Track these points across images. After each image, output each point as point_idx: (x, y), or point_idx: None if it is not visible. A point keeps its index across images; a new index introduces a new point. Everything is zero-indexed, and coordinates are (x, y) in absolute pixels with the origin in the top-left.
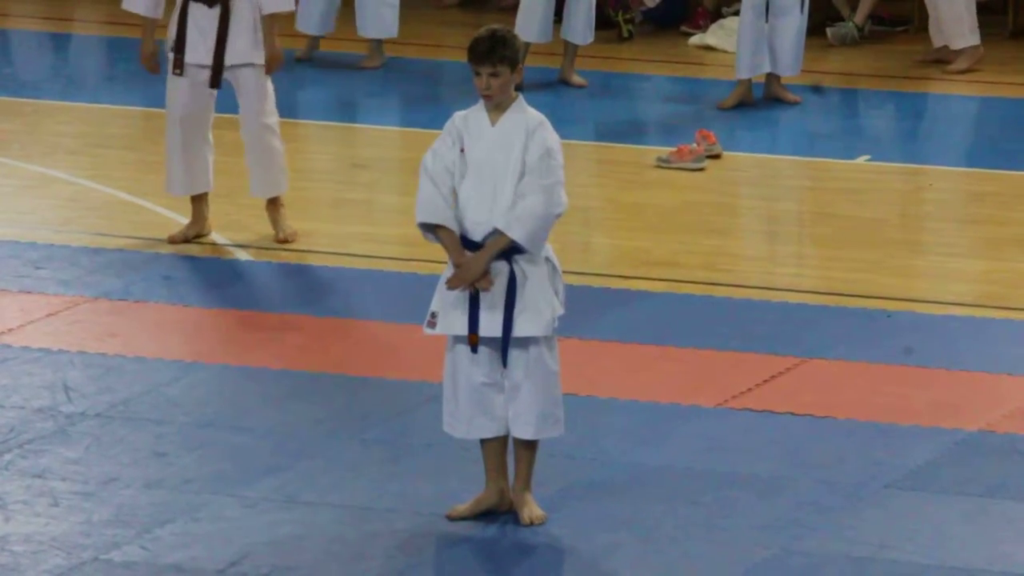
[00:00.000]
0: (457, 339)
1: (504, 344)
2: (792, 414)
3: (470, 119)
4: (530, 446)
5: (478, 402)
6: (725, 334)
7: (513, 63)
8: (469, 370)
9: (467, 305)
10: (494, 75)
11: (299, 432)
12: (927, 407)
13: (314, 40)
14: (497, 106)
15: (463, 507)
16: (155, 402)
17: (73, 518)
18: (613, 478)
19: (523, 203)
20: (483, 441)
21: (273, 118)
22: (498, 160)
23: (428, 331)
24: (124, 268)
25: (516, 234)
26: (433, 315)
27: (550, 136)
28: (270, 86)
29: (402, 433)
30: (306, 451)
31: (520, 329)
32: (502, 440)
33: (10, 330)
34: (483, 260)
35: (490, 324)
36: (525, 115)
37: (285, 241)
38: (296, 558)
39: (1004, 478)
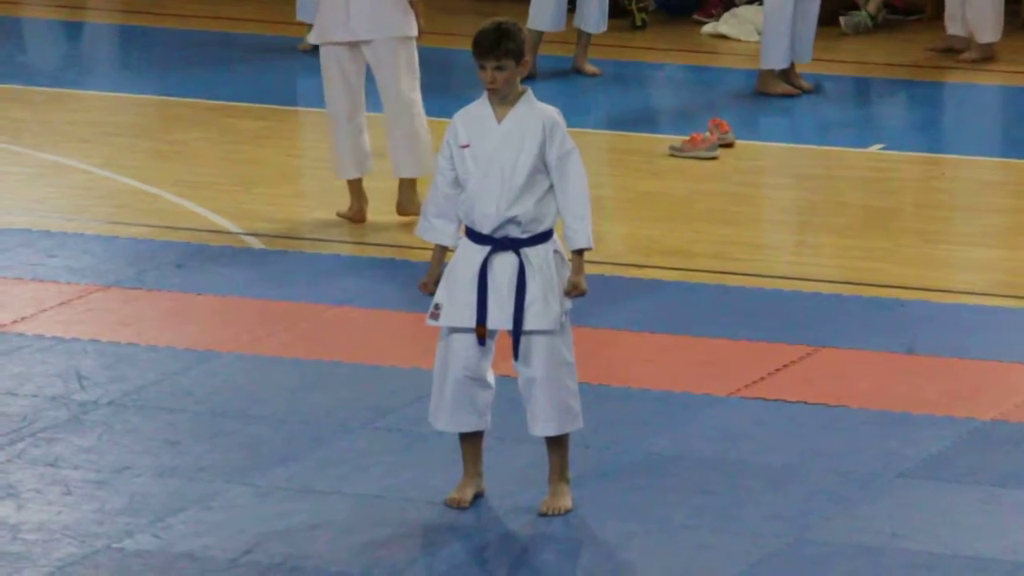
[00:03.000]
0: (453, 331)
1: (515, 337)
2: (805, 403)
3: (473, 114)
4: (557, 441)
5: (463, 396)
6: (737, 323)
7: (518, 56)
8: (459, 363)
9: (474, 297)
10: (499, 68)
11: (312, 421)
12: (940, 396)
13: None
14: (503, 100)
15: (454, 495)
16: (168, 391)
17: (86, 506)
18: (626, 467)
19: (580, 211)
20: (462, 435)
21: None
22: (507, 156)
23: (431, 323)
24: (137, 257)
25: (591, 242)
26: (437, 306)
27: (568, 136)
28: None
29: (415, 422)
30: (319, 440)
31: (529, 323)
32: (481, 434)
33: (23, 319)
34: (584, 277)
35: (499, 317)
36: (537, 110)
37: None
38: (309, 547)
39: (1017, 467)
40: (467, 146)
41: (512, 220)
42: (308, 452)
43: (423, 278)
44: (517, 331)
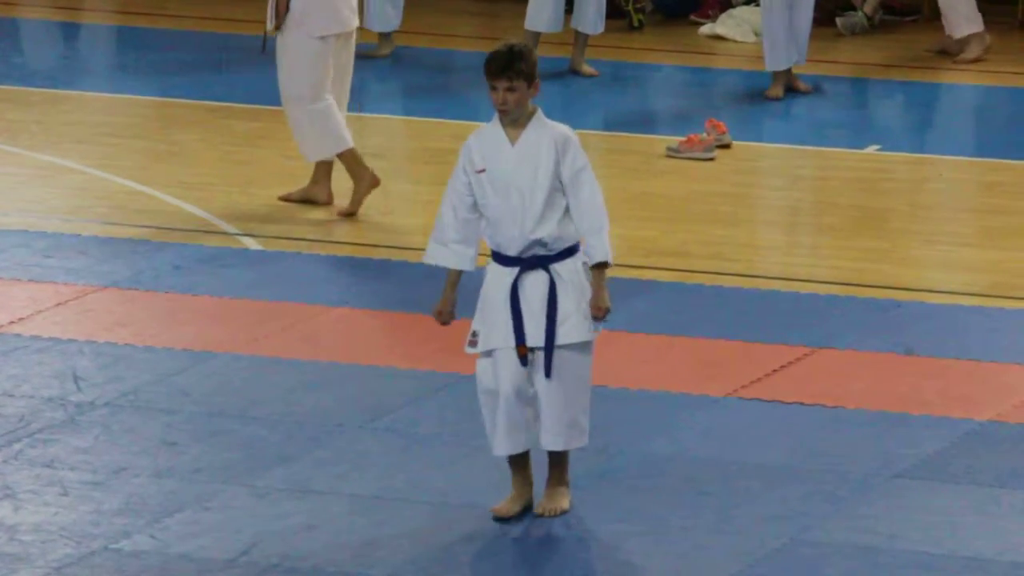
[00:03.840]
0: (495, 354)
1: (548, 352)
2: (802, 404)
3: (486, 138)
4: (560, 453)
5: (515, 416)
6: (734, 324)
7: (530, 77)
8: (508, 385)
9: (510, 318)
10: (511, 90)
11: (309, 421)
12: (937, 397)
13: None
14: (514, 121)
15: (504, 507)
16: (165, 391)
17: (82, 507)
18: (623, 468)
19: (596, 224)
20: (512, 455)
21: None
22: (524, 177)
23: (470, 351)
24: (134, 257)
25: (610, 256)
26: (475, 334)
27: (580, 152)
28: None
29: (412, 423)
30: (316, 440)
31: (566, 336)
32: (526, 454)
33: (20, 319)
34: (606, 292)
35: (536, 334)
36: (548, 129)
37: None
38: (306, 548)
39: (1015, 468)
40: (483, 171)
41: (538, 241)
42: (305, 452)
43: (437, 305)
44: (549, 347)
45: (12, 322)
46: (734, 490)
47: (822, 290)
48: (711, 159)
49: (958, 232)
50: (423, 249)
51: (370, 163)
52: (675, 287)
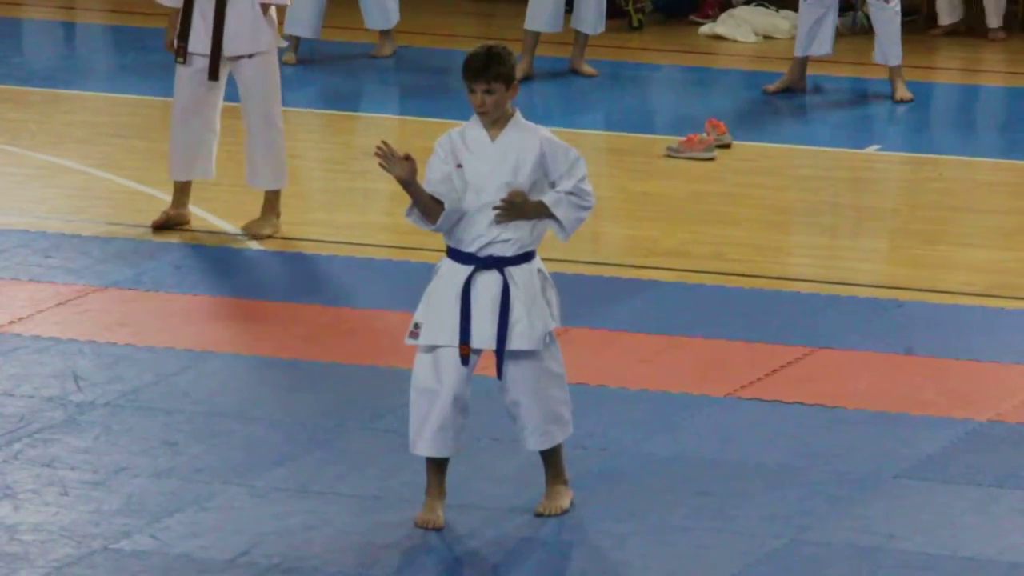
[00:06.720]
0: (439, 352)
1: (499, 357)
2: (802, 404)
3: (468, 135)
4: (550, 449)
5: (448, 419)
6: (734, 324)
7: (508, 79)
8: (450, 385)
9: (457, 316)
10: (488, 92)
11: (309, 422)
12: (937, 397)
13: (296, 40)
14: (495, 122)
15: (427, 517)
16: (165, 391)
17: (82, 507)
18: (623, 468)
19: (570, 196)
20: (434, 459)
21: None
22: (501, 176)
23: (410, 341)
24: (134, 257)
25: (561, 213)
26: (416, 326)
27: (566, 144)
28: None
29: None
30: (316, 441)
31: (514, 342)
32: (448, 460)
33: (20, 319)
34: (532, 206)
35: (482, 335)
36: (531, 131)
37: (255, 237)
38: (306, 548)
39: (1014, 468)
40: (460, 166)
41: (502, 239)
42: (305, 453)
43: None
44: (501, 350)
45: (12, 322)
46: (734, 490)
47: (822, 290)
48: (711, 159)
49: (958, 232)
50: (423, 249)
51: (370, 163)
52: (675, 287)
